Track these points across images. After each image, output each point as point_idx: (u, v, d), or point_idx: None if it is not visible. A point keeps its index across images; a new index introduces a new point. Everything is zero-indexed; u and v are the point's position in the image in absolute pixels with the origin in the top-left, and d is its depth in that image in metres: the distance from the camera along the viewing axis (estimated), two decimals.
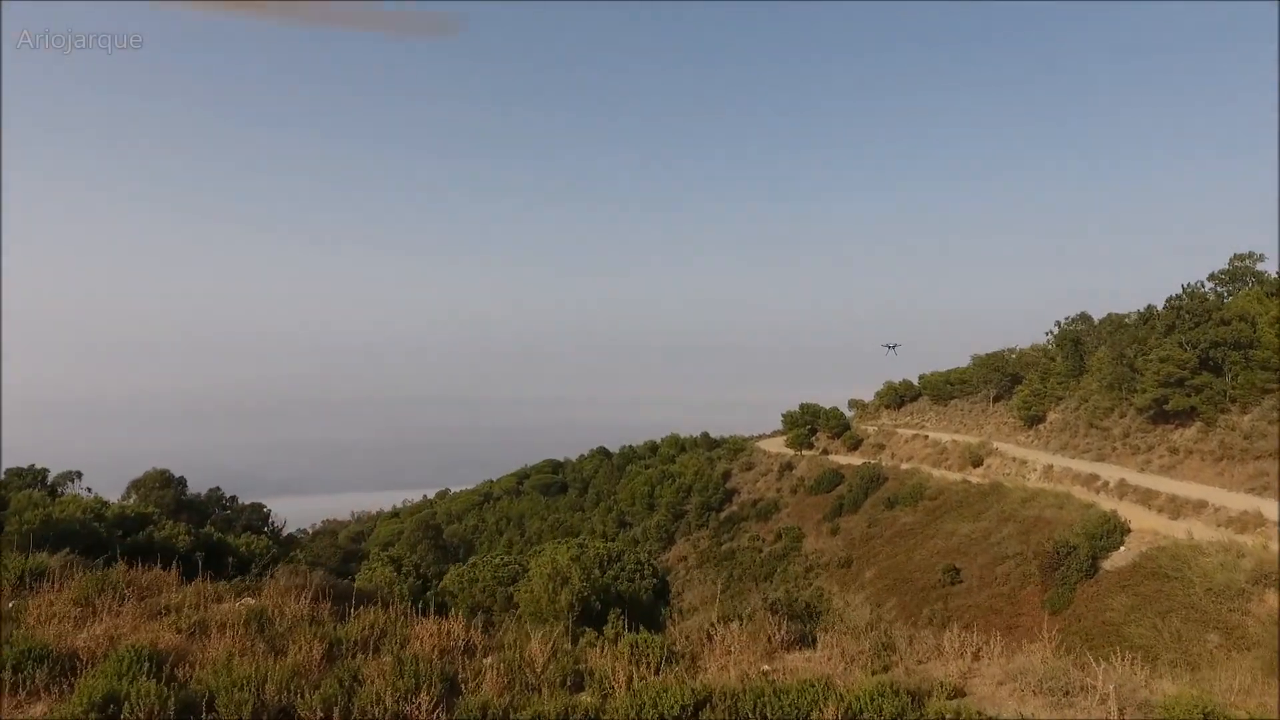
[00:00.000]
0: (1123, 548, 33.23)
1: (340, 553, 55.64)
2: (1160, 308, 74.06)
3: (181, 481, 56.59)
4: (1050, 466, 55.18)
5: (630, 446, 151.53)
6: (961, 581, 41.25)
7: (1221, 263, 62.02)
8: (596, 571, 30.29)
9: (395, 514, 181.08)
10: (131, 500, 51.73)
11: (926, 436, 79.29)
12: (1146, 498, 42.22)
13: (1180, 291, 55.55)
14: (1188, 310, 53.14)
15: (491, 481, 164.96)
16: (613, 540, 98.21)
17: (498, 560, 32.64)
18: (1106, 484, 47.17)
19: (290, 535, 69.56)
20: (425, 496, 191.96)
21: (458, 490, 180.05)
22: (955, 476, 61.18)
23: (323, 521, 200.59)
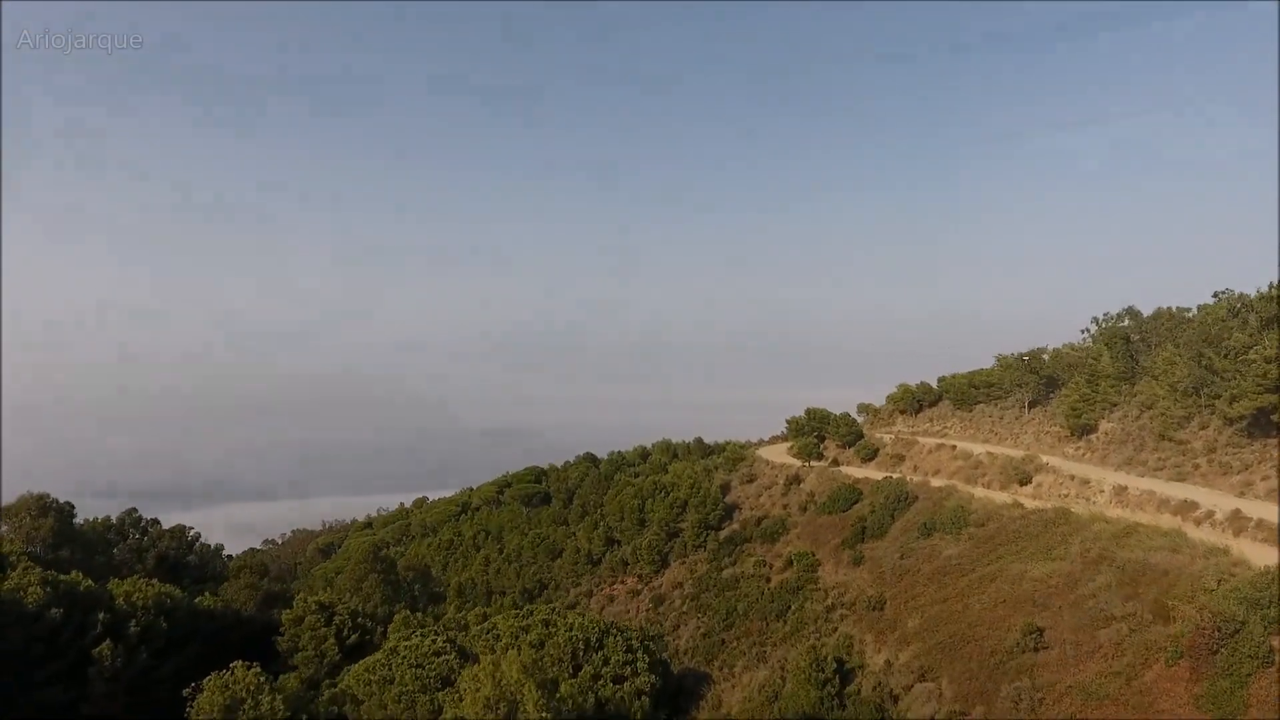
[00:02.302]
0: None
1: (259, 595, 45.81)
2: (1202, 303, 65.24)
3: (66, 508, 46.47)
4: (1123, 488, 45.94)
5: (619, 452, 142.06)
6: (1048, 647, 31.82)
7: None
8: (566, 677, 20.76)
9: (369, 524, 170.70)
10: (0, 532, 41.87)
11: (954, 447, 69.99)
12: None
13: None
14: None
15: (471, 490, 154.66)
16: (599, 561, 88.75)
17: (426, 646, 22.89)
18: (1212, 514, 37.89)
19: (209, 568, 59.54)
20: (402, 505, 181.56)
21: (436, 498, 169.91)
22: (1003, 498, 51.86)
23: (292, 531, 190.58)
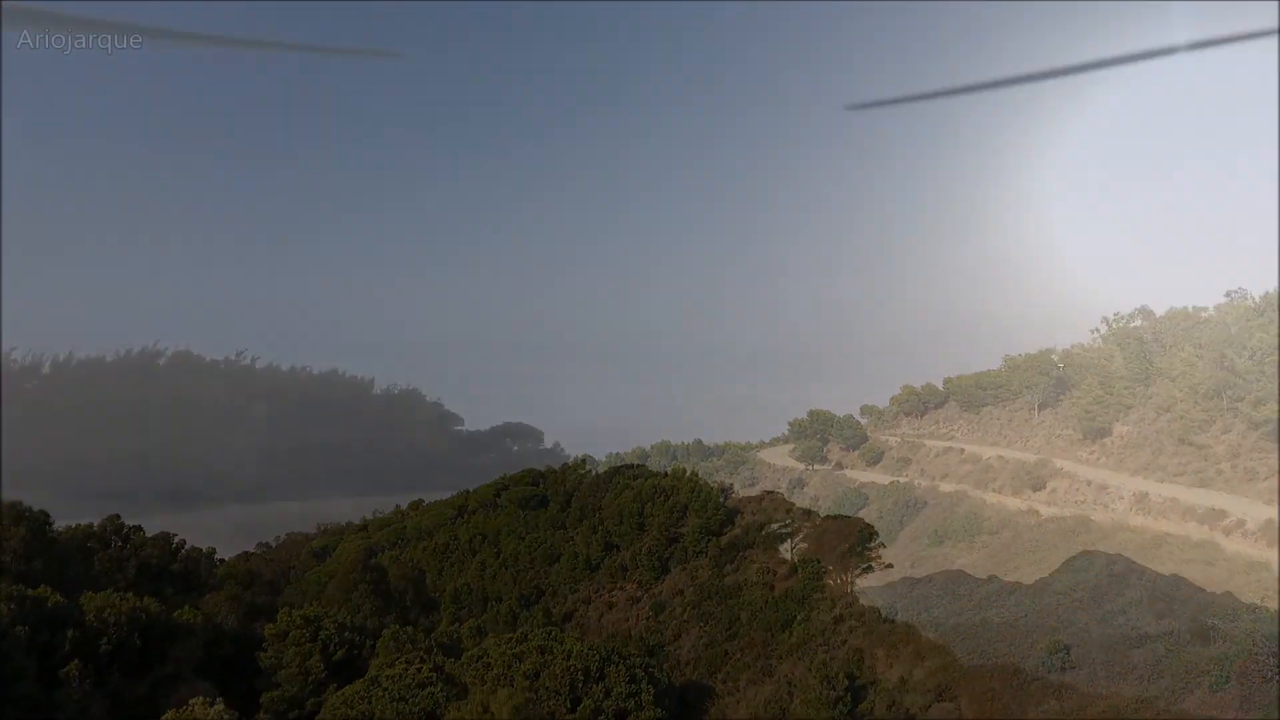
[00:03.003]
0: None
1: (242, 608, 44.21)
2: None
3: (41, 516, 44.62)
4: (1144, 494, 44.12)
5: (618, 454, 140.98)
6: (1075, 666, 30.06)
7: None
8: (564, 712, 18.98)
9: (364, 527, 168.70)
10: None
11: (962, 450, 68.29)
12: None
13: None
14: None
15: (468, 492, 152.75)
16: (597, 566, 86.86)
17: (410, 676, 21.15)
18: (1242, 523, 36.05)
19: (195, 577, 57.60)
20: (398, 507, 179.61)
21: (432, 501, 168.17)
22: (1016, 504, 50.11)
23: (287, 534, 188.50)
